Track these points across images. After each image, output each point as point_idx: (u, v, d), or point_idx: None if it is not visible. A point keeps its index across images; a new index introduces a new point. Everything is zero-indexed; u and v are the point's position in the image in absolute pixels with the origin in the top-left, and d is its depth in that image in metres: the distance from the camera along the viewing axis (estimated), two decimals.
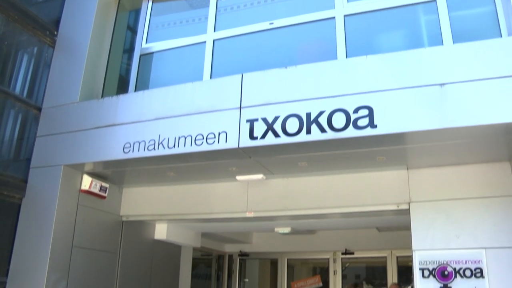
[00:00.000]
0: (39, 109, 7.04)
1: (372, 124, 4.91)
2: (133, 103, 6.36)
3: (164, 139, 5.79)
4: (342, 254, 10.71)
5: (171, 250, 8.74)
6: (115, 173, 6.87)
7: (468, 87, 4.73)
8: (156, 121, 5.97)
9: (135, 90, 7.18)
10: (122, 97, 6.53)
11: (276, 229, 8.60)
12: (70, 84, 6.95)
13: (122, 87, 7.52)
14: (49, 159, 6.65)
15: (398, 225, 8.06)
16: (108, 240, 7.29)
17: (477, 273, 5.46)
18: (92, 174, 6.83)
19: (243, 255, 11.70)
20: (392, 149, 5.42)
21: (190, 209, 7.15)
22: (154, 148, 5.83)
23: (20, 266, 6.39)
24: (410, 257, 5.83)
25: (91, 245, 6.92)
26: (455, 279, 5.53)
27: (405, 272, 10.11)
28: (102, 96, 7.10)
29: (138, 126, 6.08)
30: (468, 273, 5.50)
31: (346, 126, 5.00)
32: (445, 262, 5.61)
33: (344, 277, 10.97)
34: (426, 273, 5.66)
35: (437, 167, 5.91)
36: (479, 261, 5.48)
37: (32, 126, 7.04)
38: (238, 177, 6.50)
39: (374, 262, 11.37)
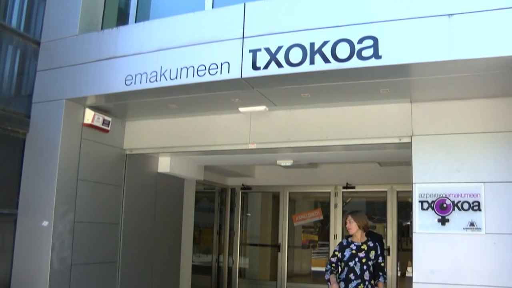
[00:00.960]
0: (38, 43, 6.96)
1: (376, 55, 4.84)
2: (134, 34, 6.28)
3: (166, 70, 5.74)
4: (343, 188, 10.85)
5: (174, 183, 8.85)
6: (117, 106, 6.86)
7: (478, 18, 4.61)
8: (158, 52, 5.91)
9: (135, 22, 7.05)
10: (122, 28, 6.44)
11: (278, 162, 8.66)
12: (68, 16, 6.84)
13: (122, 19, 7.42)
14: (51, 93, 6.64)
15: (399, 160, 8.11)
16: (112, 173, 7.39)
17: (475, 206, 5.56)
18: (94, 108, 6.85)
19: (245, 188, 11.85)
20: (396, 81, 5.37)
21: (193, 141, 7.19)
22: (156, 80, 5.80)
23: (29, 199, 6.56)
24: (410, 192, 5.92)
25: (95, 178, 7.03)
26: (453, 212, 5.63)
27: (405, 207, 10.26)
28: (101, 28, 6.97)
29: (139, 58, 6.02)
30: (466, 206, 5.60)
31: (350, 57, 4.94)
32: (444, 195, 5.70)
33: (344, 212, 11.16)
34: (425, 205, 5.77)
35: (441, 101, 5.89)
36: (477, 195, 5.58)
37: (32, 60, 6.98)
38: (241, 109, 6.49)
39: (375, 197, 11.54)
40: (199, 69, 5.56)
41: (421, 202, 5.79)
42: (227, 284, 11.83)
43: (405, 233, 10.73)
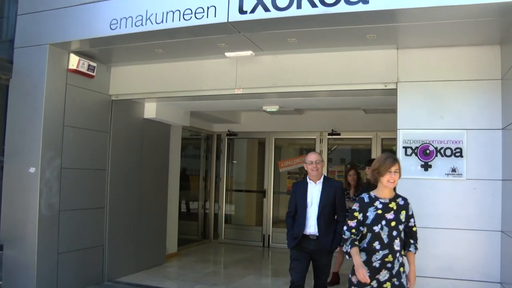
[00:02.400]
0: None
1: (364, 0, 4.80)
2: None
3: (152, 14, 5.64)
4: (329, 134, 10.94)
5: (160, 129, 8.85)
6: (102, 51, 6.77)
7: None
8: None
9: None
10: None
11: (264, 108, 8.68)
12: None
13: None
14: (34, 38, 6.53)
15: (384, 107, 8.16)
16: (98, 119, 7.38)
17: (457, 152, 5.67)
18: (79, 53, 6.76)
19: (231, 134, 11.89)
20: (383, 27, 5.34)
21: (179, 86, 7.15)
22: (141, 24, 5.71)
23: (15, 146, 6.56)
24: (395, 140, 6.00)
25: (82, 124, 7.02)
26: (435, 158, 5.74)
27: None
28: None
29: (125, 1, 5.92)
30: (448, 152, 5.71)
31: (337, 1, 4.88)
32: (427, 141, 5.80)
33: (329, 160, 11.28)
34: (409, 151, 5.86)
35: (427, 48, 5.89)
36: (459, 142, 5.68)
37: (11, 4, 6.83)
38: (227, 54, 6.44)
39: (360, 144, 11.66)
40: (185, 13, 5.47)
41: (405, 148, 5.88)
42: (213, 230, 12.03)
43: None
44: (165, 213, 9.13)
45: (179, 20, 5.50)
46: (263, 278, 8.39)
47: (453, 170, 5.66)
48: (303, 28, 5.47)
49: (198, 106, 8.82)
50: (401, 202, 4.08)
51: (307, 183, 5.43)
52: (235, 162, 12.47)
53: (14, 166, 6.51)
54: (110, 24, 5.91)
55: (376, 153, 10.43)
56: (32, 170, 6.32)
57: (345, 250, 4.06)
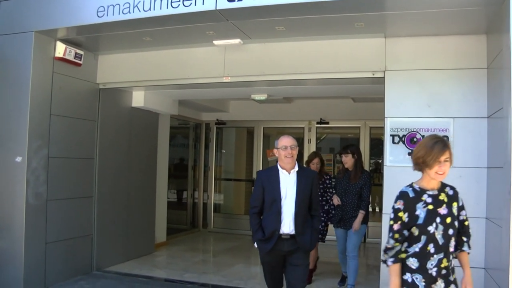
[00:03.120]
0: None
1: None
2: None
3: (140, 1, 5.58)
4: (317, 123, 10.97)
5: (149, 118, 8.82)
6: (89, 39, 6.71)
7: None
8: None
9: None
10: None
11: (252, 96, 8.66)
12: None
13: None
14: (18, 25, 6.43)
15: (373, 96, 8.20)
16: (86, 108, 7.33)
17: None
18: (65, 41, 6.69)
19: (220, 123, 11.88)
20: (371, 16, 5.35)
21: (167, 74, 7.13)
22: (129, 11, 5.65)
23: (0, 135, 6.47)
24: (383, 129, 6.03)
25: (69, 113, 6.97)
26: None
27: (377, 144, 10.45)
28: None
29: None
30: None
31: None
32: (415, 129, 5.84)
33: (319, 149, 11.30)
34: (396, 139, 5.90)
35: (414, 37, 5.91)
36: (446, 130, 5.72)
37: None
38: (215, 42, 6.42)
39: (348, 132, 11.70)
40: (173, 0, 5.43)
41: (392, 136, 5.91)
42: (202, 219, 12.05)
43: (377, 170, 11.00)
44: (154, 202, 9.11)
45: (167, 7, 5.45)
46: (252, 266, 8.42)
47: None
48: (292, 16, 5.46)
49: (186, 94, 8.79)
50: (451, 192, 3.31)
51: (278, 172, 4.58)
52: (224, 151, 12.46)
53: (0, 156, 6.44)
54: (97, 11, 5.84)
55: (365, 141, 10.48)
56: (18, 159, 6.27)
57: (384, 259, 3.24)
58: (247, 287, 6.89)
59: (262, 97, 8.61)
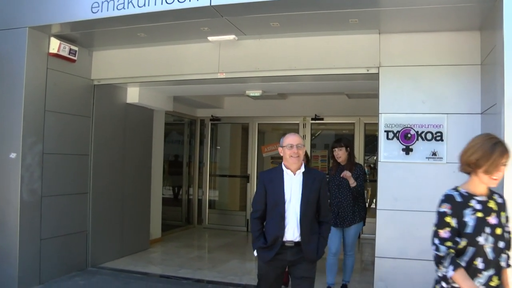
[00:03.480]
0: None
1: None
2: None
3: None
4: (312, 119, 10.98)
5: (143, 114, 8.80)
6: (84, 35, 6.69)
7: None
8: None
9: None
10: None
11: (247, 92, 8.66)
12: None
13: None
14: (12, 21, 6.39)
15: (367, 92, 8.22)
16: (81, 104, 7.32)
17: (437, 136, 5.75)
18: (60, 37, 6.66)
19: (214, 119, 11.87)
20: (365, 12, 5.38)
21: (162, 70, 7.12)
22: (123, 7, 5.64)
23: None
24: (377, 125, 6.05)
25: (63, 109, 6.95)
26: (416, 142, 5.82)
27: (372, 141, 10.47)
28: None
29: None
30: (429, 136, 5.78)
31: None
32: (409, 125, 5.87)
33: (313, 146, 11.33)
34: (391, 135, 5.92)
35: (409, 33, 5.93)
36: (440, 126, 5.76)
37: None
38: (210, 38, 6.42)
39: (343, 129, 11.72)
40: None
41: (387, 132, 5.94)
42: (197, 216, 12.06)
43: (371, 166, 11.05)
44: (149, 199, 9.11)
45: (162, 3, 5.44)
46: (247, 262, 8.43)
47: (434, 153, 5.74)
48: (286, 12, 5.46)
49: (181, 90, 8.78)
50: (500, 200, 2.88)
51: (282, 172, 4.21)
52: (219, 147, 12.46)
53: None
54: (92, 7, 5.83)
55: (359, 137, 10.50)
56: (13, 155, 6.26)
57: (449, 275, 2.69)
58: (242, 283, 6.91)
59: (257, 93, 8.62)
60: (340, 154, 6.28)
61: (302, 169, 4.19)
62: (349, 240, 6.25)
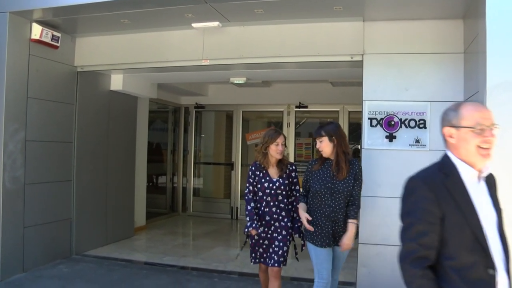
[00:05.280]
0: None
1: None
2: None
3: None
4: (296, 107, 11.00)
5: (127, 101, 8.75)
6: (66, 21, 6.61)
7: None
8: None
9: None
10: None
11: (231, 79, 8.64)
12: None
13: None
14: None
15: (351, 80, 8.24)
16: (64, 91, 7.26)
17: (421, 124, 5.79)
18: (42, 23, 6.58)
19: (199, 107, 11.85)
20: None
21: (146, 57, 7.08)
22: None
23: None
24: (362, 112, 6.06)
25: (46, 96, 6.89)
26: (400, 129, 5.85)
27: (356, 129, 10.52)
28: None
29: None
30: (412, 123, 5.82)
31: None
32: (392, 113, 5.89)
33: (298, 134, 11.36)
34: (374, 122, 5.94)
35: (393, 21, 5.94)
36: (423, 113, 5.79)
37: None
38: (194, 25, 6.39)
39: (327, 117, 11.73)
40: None
41: (370, 119, 5.96)
42: (181, 203, 12.06)
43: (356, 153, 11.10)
44: (133, 186, 9.09)
45: None
46: (231, 249, 8.47)
47: (417, 141, 5.78)
48: None
49: (165, 78, 8.74)
50: None
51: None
52: (203, 135, 12.44)
53: None
54: None
55: (343, 125, 10.53)
56: None
57: None
58: (227, 270, 6.95)
59: (241, 80, 8.60)
60: (322, 146, 4.45)
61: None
62: (340, 263, 4.66)
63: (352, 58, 6.15)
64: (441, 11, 5.59)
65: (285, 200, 4.90)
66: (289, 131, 10.97)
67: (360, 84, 6.17)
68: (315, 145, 4.61)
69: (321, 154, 4.52)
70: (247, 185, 5.00)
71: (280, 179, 4.90)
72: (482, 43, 4.55)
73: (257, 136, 11.45)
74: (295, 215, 4.93)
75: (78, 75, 7.48)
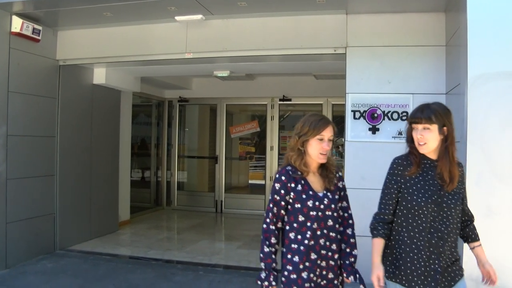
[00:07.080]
0: None
1: None
2: None
3: None
4: (280, 100, 11.03)
5: (110, 95, 8.68)
6: (48, 14, 6.54)
7: None
8: None
9: None
10: None
11: (215, 73, 8.64)
12: None
13: None
14: None
15: (335, 73, 8.28)
16: (46, 85, 7.19)
17: (403, 116, 5.85)
18: (22, 15, 6.50)
19: (182, 101, 11.81)
20: None
21: (129, 51, 7.03)
22: None
23: None
24: (345, 105, 6.10)
25: (28, 90, 6.82)
26: (383, 121, 5.91)
27: (340, 122, 10.56)
28: None
29: None
30: (395, 116, 5.88)
31: None
32: (375, 105, 5.95)
33: (282, 127, 11.38)
34: (357, 115, 5.99)
35: (375, 14, 5.99)
36: (406, 106, 5.85)
37: None
38: (177, 17, 6.36)
39: (311, 110, 11.77)
40: None
41: (354, 111, 6.01)
42: (165, 197, 12.04)
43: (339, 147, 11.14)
44: (117, 181, 9.05)
45: None
46: (216, 242, 8.50)
47: (400, 133, 5.83)
48: None
49: (148, 71, 8.70)
50: None
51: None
52: (187, 129, 12.41)
53: None
54: None
55: None
56: None
57: None
58: (211, 263, 6.96)
59: (225, 73, 8.60)
60: (427, 138, 2.88)
61: None
62: None
63: (335, 50, 6.18)
64: (423, 4, 5.64)
65: (336, 227, 3.14)
66: (273, 124, 11.00)
67: (343, 77, 6.20)
68: (413, 131, 2.93)
69: (413, 150, 2.97)
70: (271, 206, 3.03)
71: (329, 194, 3.08)
72: (463, 36, 4.60)
73: (241, 129, 11.48)
74: (343, 246, 3.26)
75: (60, 69, 7.41)
